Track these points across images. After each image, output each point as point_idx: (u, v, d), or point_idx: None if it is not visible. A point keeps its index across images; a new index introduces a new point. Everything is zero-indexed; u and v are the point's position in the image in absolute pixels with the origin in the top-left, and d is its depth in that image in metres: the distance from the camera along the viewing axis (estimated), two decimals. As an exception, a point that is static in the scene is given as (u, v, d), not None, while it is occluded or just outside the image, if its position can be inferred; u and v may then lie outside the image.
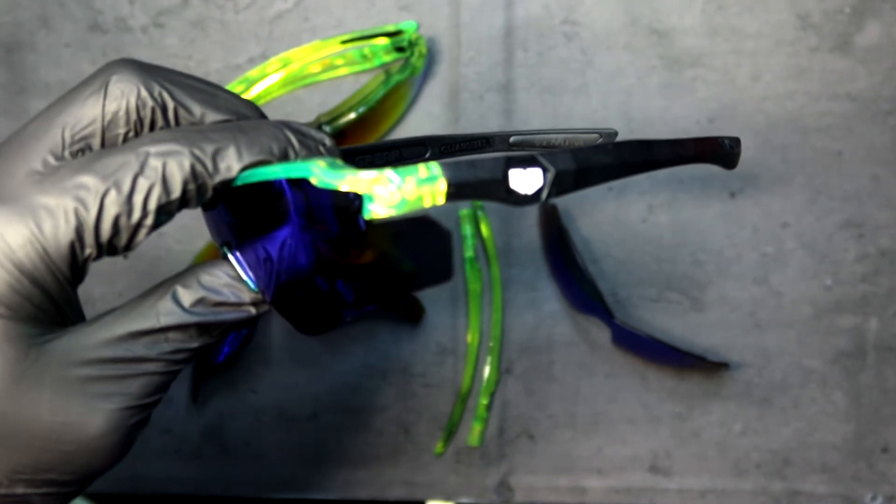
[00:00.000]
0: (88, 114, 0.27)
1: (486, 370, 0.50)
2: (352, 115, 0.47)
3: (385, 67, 0.49)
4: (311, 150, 0.28)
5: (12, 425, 0.26)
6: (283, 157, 0.27)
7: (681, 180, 0.50)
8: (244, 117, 0.29)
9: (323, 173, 0.24)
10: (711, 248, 0.50)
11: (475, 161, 0.24)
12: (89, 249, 0.26)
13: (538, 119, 0.50)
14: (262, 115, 0.30)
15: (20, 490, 0.26)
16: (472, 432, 0.51)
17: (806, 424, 0.50)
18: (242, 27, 0.51)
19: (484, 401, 0.50)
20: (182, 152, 0.26)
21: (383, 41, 0.49)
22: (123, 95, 0.27)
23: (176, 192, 0.26)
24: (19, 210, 0.25)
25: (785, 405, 0.50)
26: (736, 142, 0.31)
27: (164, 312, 0.28)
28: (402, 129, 0.51)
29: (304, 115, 0.50)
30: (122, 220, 0.26)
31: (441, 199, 0.24)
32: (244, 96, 0.50)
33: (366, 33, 0.49)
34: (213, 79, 0.51)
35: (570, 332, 0.51)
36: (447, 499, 0.52)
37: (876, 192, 0.49)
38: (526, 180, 0.24)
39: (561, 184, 0.25)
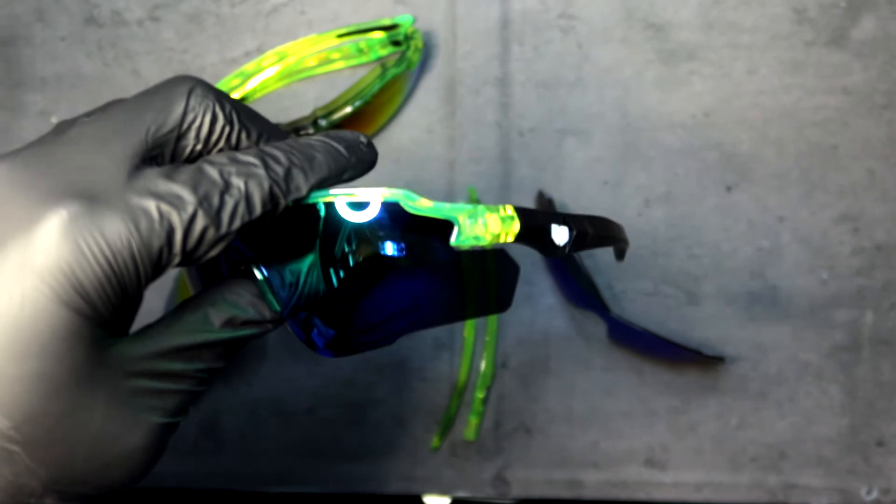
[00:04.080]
0: (170, 120, 0.27)
1: (483, 364, 0.50)
2: (348, 109, 0.47)
3: (381, 61, 0.49)
4: (358, 152, 0.29)
5: (63, 429, 0.25)
6: (341, 172, 0.29)
7: (676, 174, 0.50)
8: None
9: (410, 200, 0.27)
10: (707, 241, 0.50)
11: (535, 211, 0.29)
12: (175, 257, 0.26)
13: (534, 113, 0.50)
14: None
15: (49, 502, 0.26)
16: (469, 426, 0.51)
17: (801, 418, 0.50)
18: (238, 21, 0.51)
19: (480, 395, 0.50)
20: (260, 174, 0.27)
21: (379, 35, 0.49)
22: (202, 109, 0.28)
23: (257, 211, 0.27)
24: (118, 206, 0.25)
25: (781, 399, 0.50)
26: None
27: (199, 331, 0.28)
28: (398, 123, 0.51)
29: (301, 108, 0.50)
30: (209, 233, 0.26)
31: (511, 239, 0.28)
32: (241, 90, 0.50)
33: (362, 27, 0.49)
34: (209, 73, 0.51)
35: (566, 327, 0.51)
36: (443, 493, 0.52)
37: (871, 186, 0.50)
38: (559, 235, 0.30)
39: (577, 242, 0.30)
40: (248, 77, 0.50)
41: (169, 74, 0.51)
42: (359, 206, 0.28)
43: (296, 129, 0.47)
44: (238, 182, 0.26)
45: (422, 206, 0.28)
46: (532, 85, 0.50)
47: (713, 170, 0.50)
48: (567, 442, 0.51)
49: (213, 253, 0.27)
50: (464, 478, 0.51)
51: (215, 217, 0.26)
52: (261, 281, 0.29)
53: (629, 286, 0.50)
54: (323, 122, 0.47)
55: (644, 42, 0.50)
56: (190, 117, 0.28)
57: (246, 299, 0.29)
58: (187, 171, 0.26)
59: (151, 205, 0.25)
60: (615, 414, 0.51)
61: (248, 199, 0.27)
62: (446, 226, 0.28)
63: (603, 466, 0.51)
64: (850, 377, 0.50)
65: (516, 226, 0.28)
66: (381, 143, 0.51)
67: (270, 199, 0.27)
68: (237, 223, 0.26)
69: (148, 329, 0.27)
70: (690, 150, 0.50)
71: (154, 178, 0.26)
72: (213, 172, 0.26)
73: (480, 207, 0.28)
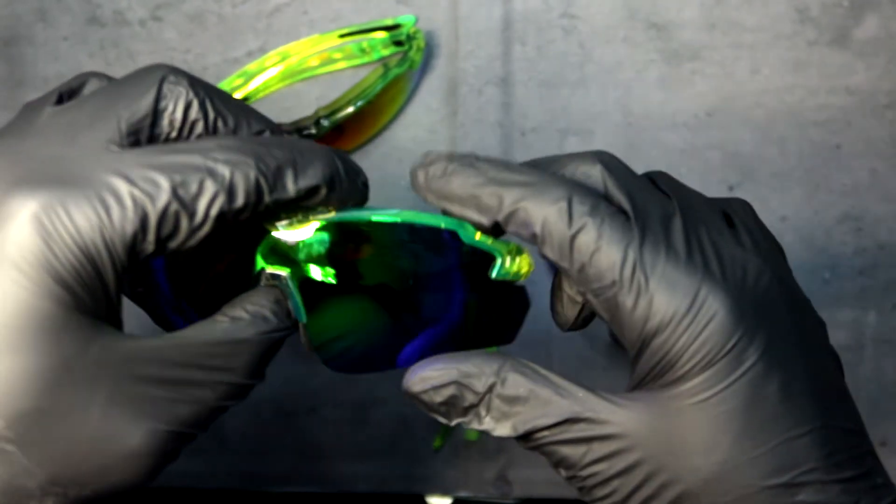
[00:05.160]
0: (142, 107, 0.27)
1: (485, 364, 0.50)
2: (350, 109, 0.47)
3: (383, 61, 0.49)
4: (353, 181, 0.29)
5: (60, 426, 0.24)
6: (331, 185, 0.28)
7: (679, 174, 0.50)
8: (275, 130, 0.29)
9: (467, 230, 0.29)
10: (710, 241, 0.50)
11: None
12: (149, 244, 0.25)
13: (536, 113, 0.50)
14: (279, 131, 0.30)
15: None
16: (471, 426, 0.51)
17: (804, 418, 0.50)
18: (241, 21, 0.51)
19: (482, 394, 0.50)
20: (249, 164, 0.26)
21: (382, 35, 0.49)
22: (174, 96, 0.27)
23: (238, 202, 0.26)
24: (88, 193, 0.24)
25: (783, 399, 0.50)
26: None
27: (222, 343, 0.27)
28: (400, 123, 0.51)
29: (303, 108, 0.50)
30: (184, 222, 0.25)
31: (527, 274, 0.30)
32: (243, 90, 0.50)
33: (364, 27, 0.49)
34: (211, 73, 0.51)
35: (568, 326, 0.51)
36: (445, 493, 0.52)
37: (874, 185, 0.49)
38: None
39: None
40: (250, 77, 0.50)
41: (171, 74, 0.51)
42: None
43: (298, 129, 0.47)
44: (223, 170, 0.26)
45: (477, 238, 0.29)
46: (534, 85, 0.50)
47: (716, 169, 0.50)
48: (569, 442, 0.51)
49: (193, 242, 0.26)
50: (466, 478, 0.51)
51: (191, 204, 0.25)
52: (289, 288, 0.29)
53: (631, 286, 0.50)
54: (325, 122, 0.47)
55: (646, 42, 0.50)
56: (162, 104, 0.27)
57: (267, 309, 0.28)
58: (171, 155, 0.26)
59: (124, 190, 0.25)
60: (617, 414, 0.51)
61: (230, 188, 0.26)
62: (485, 259, 0.29)
63: (605, 466, 0.51)
64: (853, 377, 0.50)
65: (533, 265, 0.30)
66: (383, 143, 0.51)
67: (256, 191, 0.26)
68: (214, 212, 0.26)
69: (166, 336, 0.27)
70: (693, 150, 0.50)
71: (128, 162, 0.25)
72: (195, 157, 0.26)
73: (518, 247, 0.30)
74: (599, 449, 0.27)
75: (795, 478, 0.26)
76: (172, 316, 0.32)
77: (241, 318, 0.28)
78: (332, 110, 0.47)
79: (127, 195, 0.25)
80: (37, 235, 0.24)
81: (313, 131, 0.47)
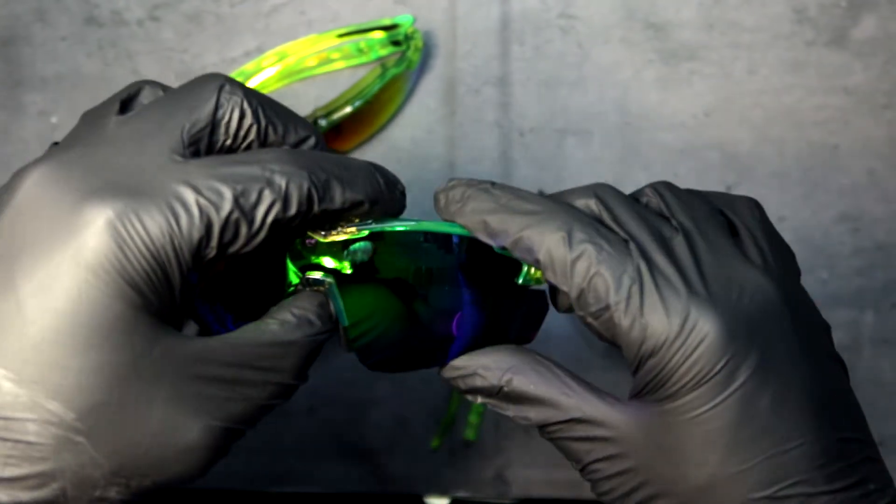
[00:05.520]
0: (203, 117, 0.29)
1: (483, 364, 0.50)
2: (348, 109, 0.47)
3: (381, 61, 0.49)
4: (393, 195, 0.31)
5: (126, 419, 0.26)
6: (374, 199, 0.30)
7: (677, 174, 0.50)
8: (317, 136, 0.31)
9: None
10: (708, 241, 0.50)
11: None
12: (212, 250, 0.27)
13: (535, 113, 0.50)
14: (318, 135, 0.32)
15: (113, 494, 0.26)
16: (469, 426, 0.51)
17: (802, 418, 0.50)
18: (238, 21, 0.51)
19: (480, 394, 0.50)
20: (303, 175, 0.28)
21: (379, 35, 0.49)
22: (230, 106, 0.29)
23: (292, 210, 0.28)
24: (158, 201, 0.26)
25: (781, 399, 0.50)
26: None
27: (273, 344, 0.28)
28: (398, 123, 0.51)
29: (301, 108, 0.50)
30: (243, 229, 0.27)
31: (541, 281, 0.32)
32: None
33: (362, 27, 0.49)
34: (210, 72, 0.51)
35: (566, 326, 0.51)
36: (444, 493, 0.52)
37: (872, 185, 0.49)
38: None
39: None
40: (248, 77, 0.50)
41: (169, 74, 0.51)
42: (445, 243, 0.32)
43: (296, 129, 0.47)
44: (280, 181, 0.27)
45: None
46: (532, 85, 0.50)
47: (714, 169, 0.50)
48: (567, 442, 0.51)
49: (249, 248, 0.28)
50: (464, 477, 0.51)
51: (250, 212, 0.27)
52: (332, 293, 0.30)
53: (629, 286, 0.50)
54: (323, 122, 0.47)
55: (644, 42, 0.50)
56: (220, 113, 0.29)
57: (311, 313, 0.30)
58: (232, 166, 0.27)
59: (191, 199, 0.26)
60: (615, 414, 0.51)
61: (285, 198, 0.28)
62: (511, 265, 0.32)
63: (603, 466, 0.51)
64: (851, 377, 0.50)
65: None
66: (381, 143, 0.51)
67: (307, 201, 0.28)
68: (270, 219, 0.27)
69: (223, 337, 0.28)
70: (691, 150, 0.50)
71: (194, 172, 0.27)
72: (255, 168, 0.27)
73: None
74: (600, 450, 0.29)
75: (779, 491, 0.27)
76: (207, 315, 0.33)
77: (289, 321, 0.29)
78: (330, 110, 0.47)
79: (194, 204, 0.26)
80: (112, 242, 0.25)
81: (311, 131, 0.47)
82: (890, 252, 0.50)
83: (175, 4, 0.51)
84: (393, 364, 0.33)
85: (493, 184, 0.31)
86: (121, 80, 0.51)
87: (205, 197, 0.26)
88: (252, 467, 0.52)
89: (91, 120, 0.30)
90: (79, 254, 0.25)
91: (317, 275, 0.30)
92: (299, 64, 0.50)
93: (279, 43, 0.50)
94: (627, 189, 0.32)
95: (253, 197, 0.27)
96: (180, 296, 0.27)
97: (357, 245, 0.30)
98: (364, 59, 0.50)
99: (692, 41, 0.50)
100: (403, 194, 0.32)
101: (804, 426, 0.27)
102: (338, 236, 0.30)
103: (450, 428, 0.51)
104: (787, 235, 0.50)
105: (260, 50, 0.50)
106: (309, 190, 0.28)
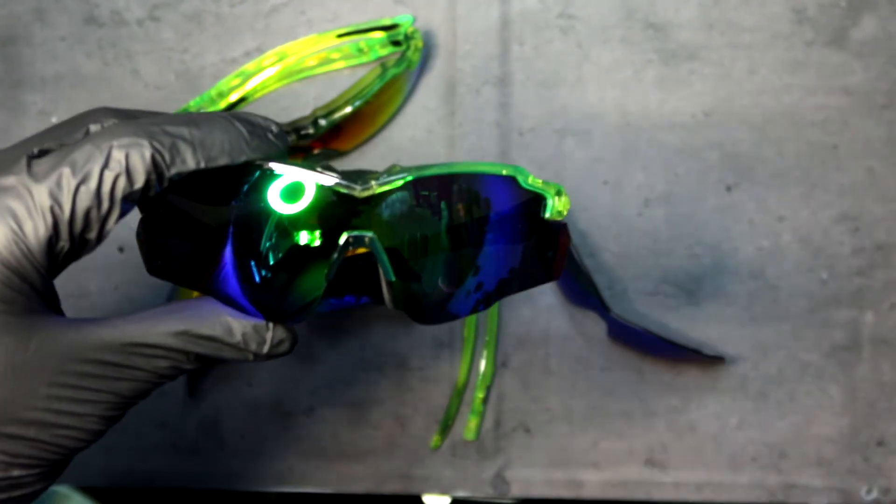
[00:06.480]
0: (56, 135, 0.29)
1: (483, 364, 0.50)
2: (348, 109, 0.47)
3: (381, 61, 0.49)
4: (262, 139, 0.30)
5: (11, 412, 0.27)
6: (235, 151, 0.29)
7: (676, 174, 0.50)
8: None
9: (524, 175, 0.32)
10: (708, 241, 0.50)
11: None
12: (63, 243, 0.27)
13: (534, 112, 0.50)
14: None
15: (15, 473, 0.28)
16: (468, 426, 0.51)
17: (802, 418, 0.50)
18: (238, 21, 0.51)
19: (480, 394, 0.50)
20: (143, 144, 0.28)
21: (379, 35, 0.49)
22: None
23: (139, 182, 0.28)
24: (0, 213, 0.27)
25: (781, 398, 0.50)
26: None
27: (172, 333, 0.29)
28: (398, 123, 0.51)
29: (301, 108, 0.50)
30: (93, 213, 0.27)
31: (566, 213, 0.32)
32: (241, 90, 0.50)
33: (362, 27, 0.49)
34: (209, 73, 0.51)
35: (566, 326, 0.51)
36: (443, 492, 0.52)
37: (871, 185, 0.50)
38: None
39: None
40: (248, 77, 0.50)
41: (169, 74, 0.51)
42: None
43: (296, 129, 0.47)
44: (119, 154, 0.27)
45: (531, 182, 0.32)
46: (532, 84, 0.50)
47: (713, 169, 0.50)
48: (567, 442, 0.51)
49: (109, 228, 0.28)
50: (464, 477, 0.51)
51: (95, 195, 0.27)
52: (376, 247, 0.30)
53: (629, 286, 0.50)
54: (323, 122, 0.47)
55: (644, 42, 0.50)
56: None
57: (243, 328, 0.30)
58: (70, 154, 0.27)
59: (31, 202, 0.27)
60: (615, 414, 0.51)
61: (128, 171, 0.27)
62: (535, 201, 0.32)
63: (603, 466, 0.51)
64: (851, 377, 0.50)
65: (569, 203, 0.33)
66: (381, 143, 0.51)
67: (154, 168, 0.28)
68: (118, 195, 0.28)
69: (111, 320, 0.29)
70: (691, 150, 0.50)
71: (34, 171, 0.27)
72: (92, 149, 0.27)
73: (559, 187, 0.32)
74: None
75: None
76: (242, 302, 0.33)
77: (207, 322, 0.30)
78: (330, 110, 0.47)
79: (35, 208, 0.27)
80: None
81: (311, 131, 0.47)
82: (889, 252, 0.50)
83: (175, 4, 0.51)
84: (437, 315, 0.33)
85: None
86: (120, 80, 0.51)
87: (46, 195, 0.27)
88: (253, 467, 0.52)
89: None
90: None
91: (359, 232, 0.30)
92: (299, 64, 0.50)
93: (279, 43, 0.50)
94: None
95: (94, 180, 0.27)
96: (46, 288, 0.28)
97: (395, 196, 0.31)
98: (364, 59, 0.50)
99: (692, 41, 0.50)
100: (280, 135, 0.31)
101: None
102: (374, 189, 0.30)
103: (449, 427, 0.51)
104: (786, 235, 0.50)
105: (260, 50, 0.50)
106: (153, 157, 0.28)
